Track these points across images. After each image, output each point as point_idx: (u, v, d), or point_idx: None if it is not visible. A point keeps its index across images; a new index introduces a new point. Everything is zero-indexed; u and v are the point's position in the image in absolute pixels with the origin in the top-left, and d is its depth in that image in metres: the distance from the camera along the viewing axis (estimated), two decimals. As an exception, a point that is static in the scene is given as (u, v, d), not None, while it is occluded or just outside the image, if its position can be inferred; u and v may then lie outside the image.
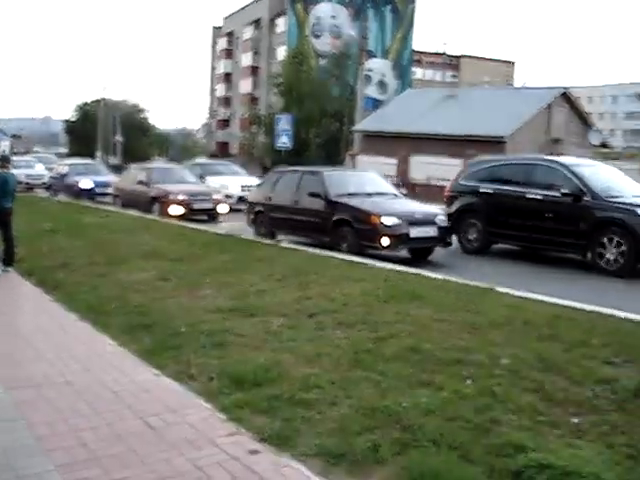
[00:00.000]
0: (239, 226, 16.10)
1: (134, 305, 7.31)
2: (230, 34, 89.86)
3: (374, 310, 7.09)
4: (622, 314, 7.25)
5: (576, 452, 3.79)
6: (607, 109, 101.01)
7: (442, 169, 26.93)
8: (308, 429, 4.17)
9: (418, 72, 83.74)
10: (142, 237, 12.90)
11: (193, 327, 6.34)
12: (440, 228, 12.29)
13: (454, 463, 3.66)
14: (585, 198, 11.92)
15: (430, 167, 27.12)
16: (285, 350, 5.66)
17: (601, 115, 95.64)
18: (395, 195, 13.96)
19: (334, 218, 12.51)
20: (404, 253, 12.81)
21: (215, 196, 20.08)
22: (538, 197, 12.64)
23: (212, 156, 65.01)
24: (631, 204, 11.53)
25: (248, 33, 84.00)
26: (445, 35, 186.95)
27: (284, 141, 33.82)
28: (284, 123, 34.09)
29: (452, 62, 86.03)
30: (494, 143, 31.85)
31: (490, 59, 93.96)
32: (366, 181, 14.53)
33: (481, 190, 13.83)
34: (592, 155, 32.37)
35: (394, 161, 30.64)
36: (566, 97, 36.91)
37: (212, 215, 19.65)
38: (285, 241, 13.43)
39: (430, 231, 12.12)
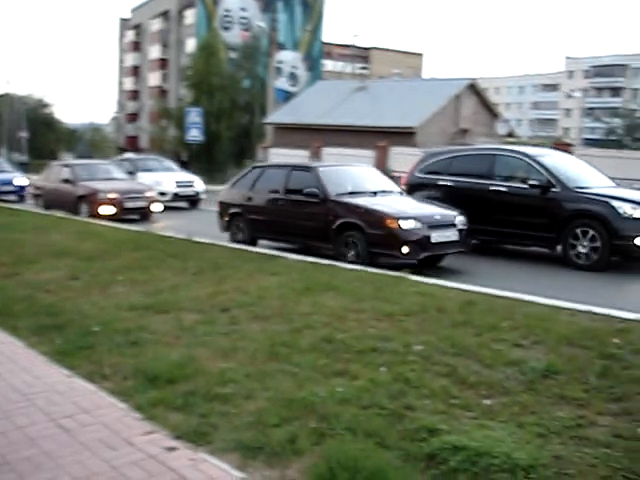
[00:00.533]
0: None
1: (44, 305, 7.11)
2: (138, 26, 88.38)
3: (289, 302, 7.11)
4: (542, 300, 7.48)
5: (488, 433, 3.89)
6: (514, 99, 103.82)
7: (354, 161, 27.15)
8: (225, 424, 4.15)
9: (329, 64, 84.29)
10: (53, 236, 12.56)
11: (106, 326, 6.21)
12: (460, 231, 10.90)
13: (370, 450, 3.70)
14: (554, 189, 11.50)
15: (342, 159, 27.19)
16: (200, 345, 5.62)
17: (508, 105, 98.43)
18: (401, 193, 12.40)
19: (338, 222, 10.88)
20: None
21: (148, 194, 18.97)
22: (502, 189, 12.17)
23: (122, 150, 63.75)
24: (603, 195, 11.18)
25: (156, 25, 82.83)
26: (355, 27, 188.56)
27: (194, 134, 33.57)
28: (194, 116, 33.86)
29: (362, 54, 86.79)
30: (405, 134, 32.36)
31: (399, 51, 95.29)
32: (365, 177, 12.73)
33: (440, 183, 13.22)
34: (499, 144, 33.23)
35: (306, 153, 30.71)
36: (473, 88, 37.78)
37: (145, 214, 18.66)
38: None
39: (451, 235, 10.71)
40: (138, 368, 5.06)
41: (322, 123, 37.00)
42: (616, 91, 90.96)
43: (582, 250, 11.02)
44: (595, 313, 6.88)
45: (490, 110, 39.19)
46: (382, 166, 27.40)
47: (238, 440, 3.92)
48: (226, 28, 71.17)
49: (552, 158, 12.56)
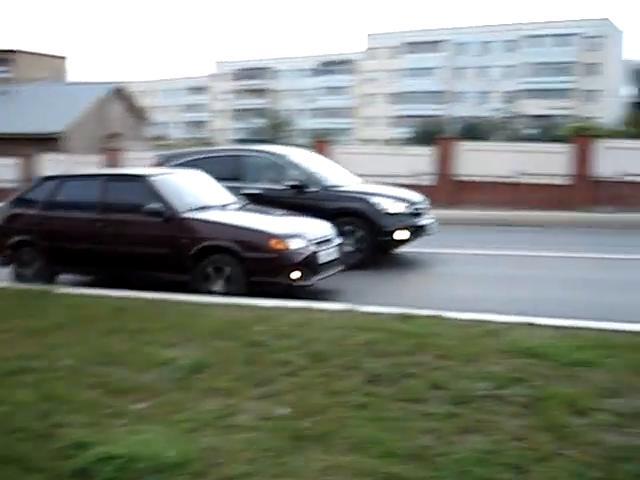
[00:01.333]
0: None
1: None
2: None
3: None
4: (193, 298, 7.70)
5: (140, 437, 3.91)
6: (169, 102, 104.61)
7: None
8: None
9: (-38, 68, 77.86)
10: None
11: None
12: (338, 246, 9.34)
13: (14, 477, 3.54)
14: (311, 189, 11.25)
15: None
16: None
17: (164, 108, 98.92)
18: (248, 203, 10.22)
19: (198, 246, 8.50)
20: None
21: None
22: (256, 192, 11.28)
23: None
24: (361, 192, 11.36)
25: None
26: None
27: None
28: None
29: (5, 57, 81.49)
30: (49, 140, 31.21)
31: (44, 54, 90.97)
32: (202, 186, 10.18)
33: None
34: (151, 147, 33.44)
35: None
36: (121, 92, 37.56)
37: None
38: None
39: (333, 252, 9.06)
40: None
41: (-43, 132, 34.16)
42: (262, 93, 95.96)
43: (346, 249, 10.32)
44: (242, 305, 7.24)
45: (140, 114, 39.24)
46: (30, 175, 26.11)
47: None
48: None
49: (305, 157, 12.42)
